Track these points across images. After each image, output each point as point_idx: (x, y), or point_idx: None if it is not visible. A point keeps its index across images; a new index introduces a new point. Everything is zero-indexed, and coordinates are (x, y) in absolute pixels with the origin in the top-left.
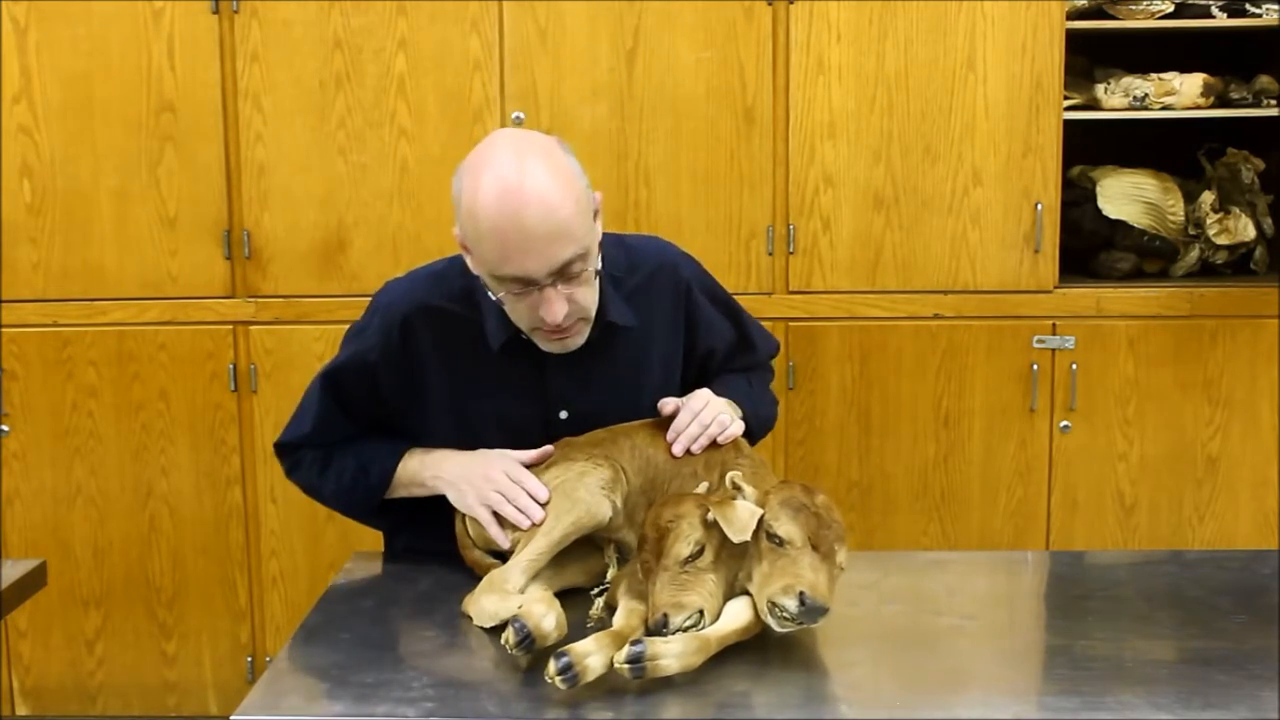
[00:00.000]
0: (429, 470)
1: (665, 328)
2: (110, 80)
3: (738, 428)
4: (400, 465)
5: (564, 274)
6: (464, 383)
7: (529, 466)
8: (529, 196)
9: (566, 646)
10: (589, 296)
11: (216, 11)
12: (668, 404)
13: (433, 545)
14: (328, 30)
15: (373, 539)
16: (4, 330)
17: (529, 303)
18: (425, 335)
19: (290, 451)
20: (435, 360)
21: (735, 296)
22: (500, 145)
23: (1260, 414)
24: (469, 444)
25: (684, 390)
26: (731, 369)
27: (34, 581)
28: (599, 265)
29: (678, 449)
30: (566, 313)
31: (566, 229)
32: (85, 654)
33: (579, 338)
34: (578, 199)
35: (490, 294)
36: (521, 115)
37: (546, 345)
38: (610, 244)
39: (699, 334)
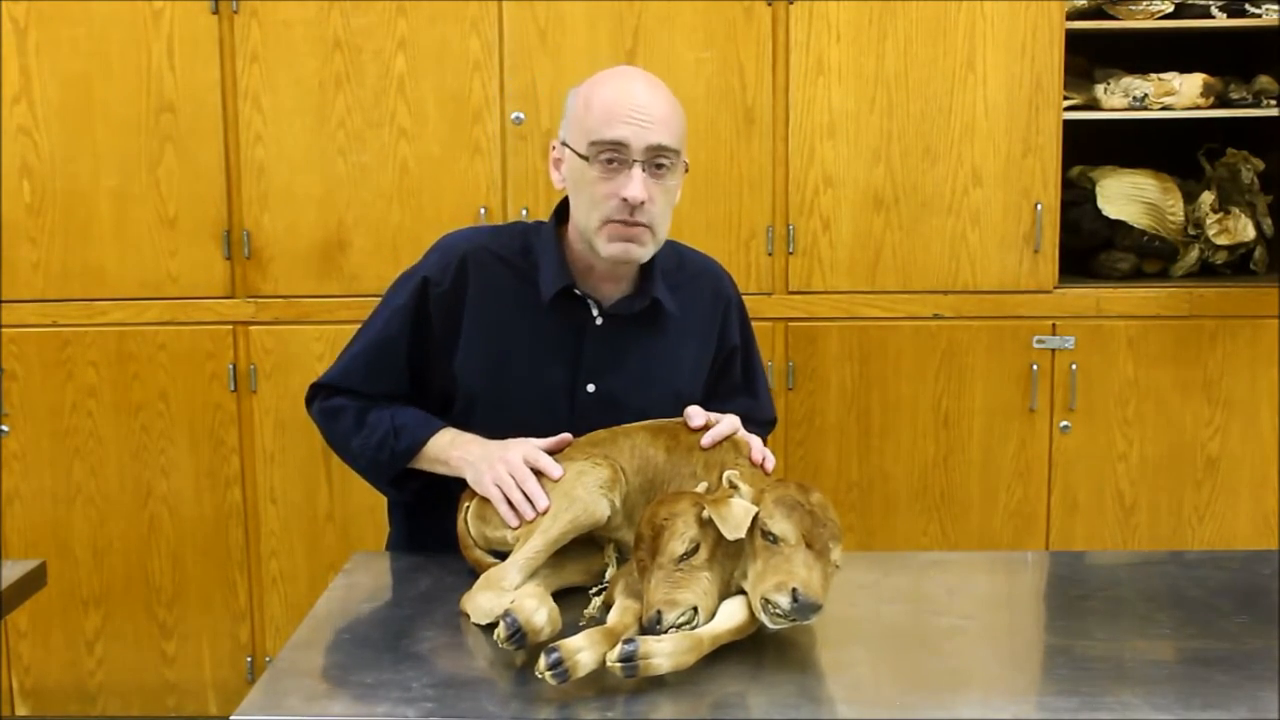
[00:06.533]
0: (457, 450)
1: (702, 327)
2: (110, 80)
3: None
4: (432, 439)
5: (654, 162)
6: (505, 334)
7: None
8: (645, 83)
9: (557, 642)
10: (665, 205)
11: (216, 12)
12: (695, 416)
13: (434, 544)
14: (328, 30)
15: (372, 540)
16: (4, 330)
17: (614, 183)
18: (478, 277)
19: (328, 394)
20: (482, 305)
21: None
22: (623, 65)
23: (1260, 414)
24: (494, 401)
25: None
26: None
27: (34, 582)
28: (680, 180)
29: (706, 440)
30: (644, 201)
31: (667, 120)
32: (85, 654)
33: (642, 247)
34: (680, 115)
35: (576, 187)
36: (521, 115)
37: (610, 246)
38: (665, 246)
39: (725, 345)
